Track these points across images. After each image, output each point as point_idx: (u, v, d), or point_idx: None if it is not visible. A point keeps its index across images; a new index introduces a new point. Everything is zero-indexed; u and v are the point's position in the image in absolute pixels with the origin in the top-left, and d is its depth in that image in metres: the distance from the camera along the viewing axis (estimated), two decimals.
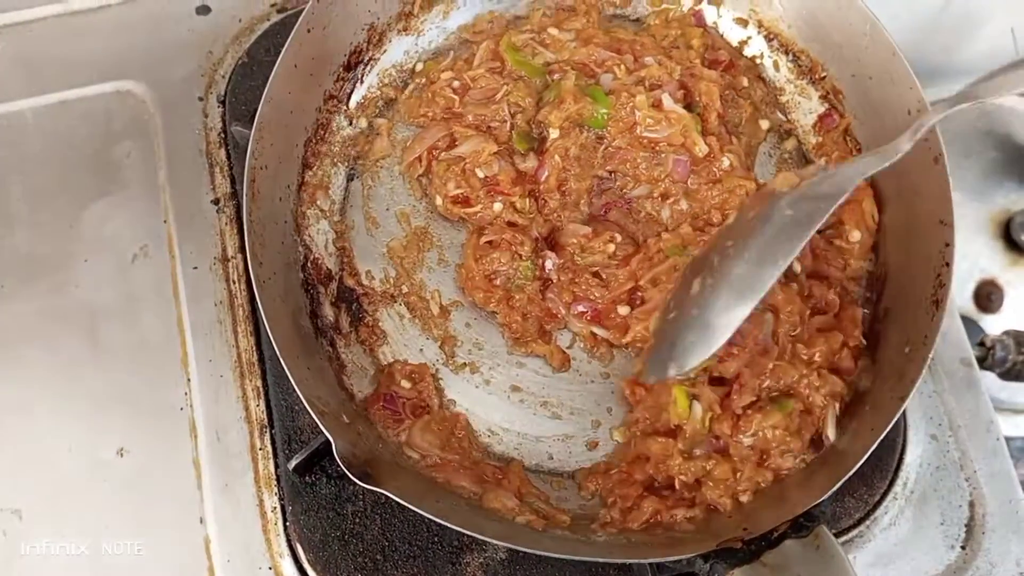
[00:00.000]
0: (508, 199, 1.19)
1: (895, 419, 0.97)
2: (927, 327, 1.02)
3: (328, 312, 1.17)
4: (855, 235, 1.16)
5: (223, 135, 1.33)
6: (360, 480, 0.91)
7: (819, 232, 1.18)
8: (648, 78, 1.20)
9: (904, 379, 1.00)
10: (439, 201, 1.22)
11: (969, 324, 1.90)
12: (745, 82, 1.29)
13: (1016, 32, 1.85)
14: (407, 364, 1.16)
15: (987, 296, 1.93)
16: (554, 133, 1.19)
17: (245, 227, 1.04)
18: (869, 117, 1.20)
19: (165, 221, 1.28)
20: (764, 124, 1.29)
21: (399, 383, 1.13)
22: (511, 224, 1.19)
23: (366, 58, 1.27)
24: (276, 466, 1.14)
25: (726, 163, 1.18)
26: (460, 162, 1.20)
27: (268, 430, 1.16)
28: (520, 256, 1.16)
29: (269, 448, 1.15)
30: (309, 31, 1.15)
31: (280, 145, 1.13)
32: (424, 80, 1.28)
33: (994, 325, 1.88)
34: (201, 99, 1.37)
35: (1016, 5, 1.91)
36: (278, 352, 0.98)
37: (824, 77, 1.27)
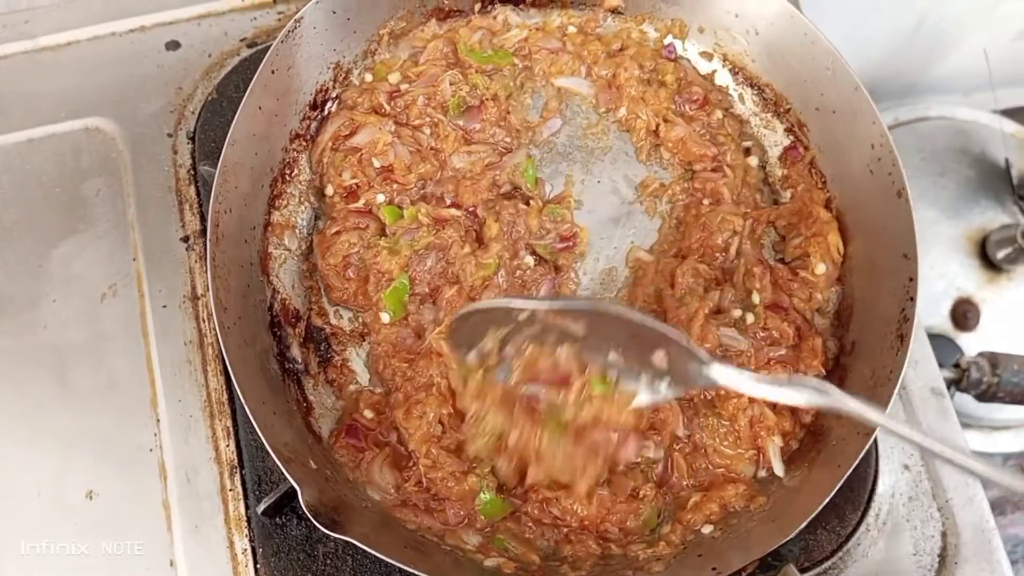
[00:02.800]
0: (401, 187, 1.20)
1: (861, 455, 0.97)
2: (892, 362, 1.02)
3: (296, 353, 1.16)
4: (820, 268, 1.16)
5: (192, 172, 1.33)
6: (327, 528, 0.90)
7: (784, 263, 1.19)
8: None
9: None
10: (329, 191, 1.21)
11: (945, 343, 1.92)
12: (719, 115, 1.30)
13: (988, 53, 1.87)
14: (373, 393, 1.15)
15: (963, 314, 1.94)
16: None
17: (209, 272, 1.03)
18: (833, 150, 1.21)
19: (134, 259, 1.28)
20: (753, 161, 1.29)
21: (362, 412, 1.13)
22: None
23: (332, 95, 1.27)
24: (247, 507, 1.14)
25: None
26: (356, 152, 1.21)
27: (238, 471, 1.16)
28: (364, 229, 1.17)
29: (239, 489, 1.15)
30: (273, 72, 1.15)
31: (245, 187, 1.13)
32: (372, 78, 1.28)
33: (971, 343, 1.90)
34: (170, 135, 1.36)
35: (987, 26, 1.93)
36: (243, 399, 0.98)
37: (789, 110, 1.28)
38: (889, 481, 1.20)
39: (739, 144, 1.29)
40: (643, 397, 0.96)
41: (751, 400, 1.08)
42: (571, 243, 1.22)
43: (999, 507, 2.03)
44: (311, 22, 1.18)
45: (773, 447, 1.07)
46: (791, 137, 1.28)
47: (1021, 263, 1.88)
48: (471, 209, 1.22)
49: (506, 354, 1.00)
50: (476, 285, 1.16)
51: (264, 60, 1.13)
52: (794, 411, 1.11)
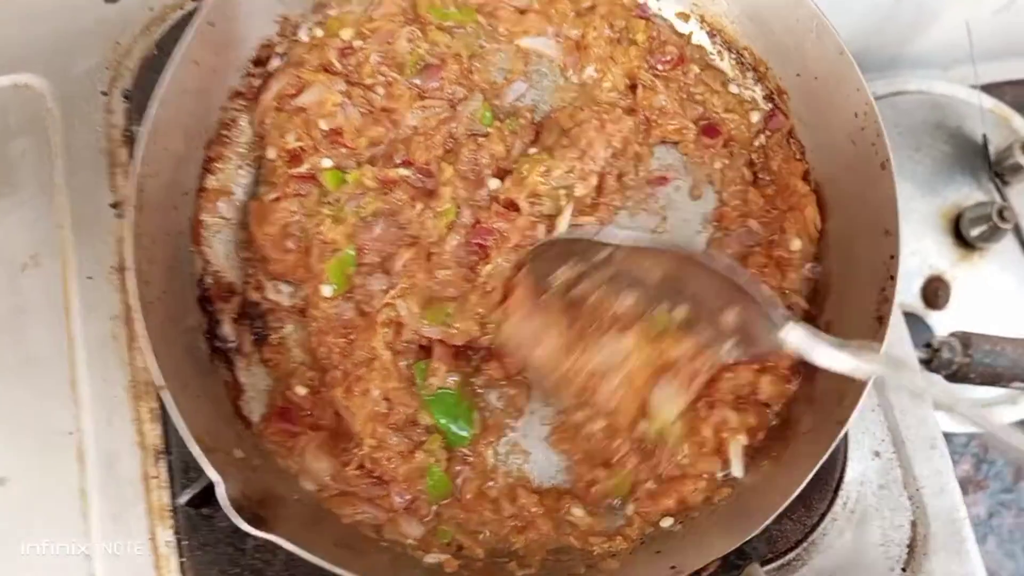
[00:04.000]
0: (350, 151, 1.11)
1: (833, 445, 0.91)
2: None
3: (228, 331, 1.07)
4: (796, 243, 1.10)
5: (127, 133, 1.22)
6: (251, 525, 0.82)
7: (757, 245, 1.12)
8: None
9: (843, 402, 0.93)
10: (271, 154, 1.12)
11: (916, 321, 1.87)
12: (696, 69, 1.22)
13: (971, 25, 1.81)
14: (308, 369, 1.07)
15: (935, 292, 1.90)
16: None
17: (130, 242, 0.93)
18: (814, 119, 1.13)
19: (60, 226, 1.17)
20: (755, 116, 1.21)
21: (295, 389, 1.05)
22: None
23: (278, 51, 1.17)
24: (172, 496, 1.05)
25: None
26: (302, 113, 1.11)
27: (164, 457, 1.06)
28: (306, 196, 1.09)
29: (164, 476, 1.06)
30: (212, 24, 1.04)
31: (176, 148, 1.03)
32: (322, 33, 1.18)
33: (941, 322, 1.86)
34: (105, 94, 1.25)
35: (968, 3, 1.87)
36: (161, 383, 0.89)
37: (768, 76, 1.19)
38: (858, 468, 1.15)
39: (728, 96, 1.21)
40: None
41: (711, 406, 1.02)
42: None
43: (962, 487, 2.02)
44: None
45: (735, 447, 1.00)
46: (770, 104, 1.20)
47: (995, 241, 1.84)
48: (424, 166, 1.13)
49: (579, 289, 0.97)
50: (441, 237, 1.08)
51: (201, 10, 1.02)
52: (762, 406, 1.04)
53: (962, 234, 1.86)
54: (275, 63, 1.16)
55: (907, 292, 1.85)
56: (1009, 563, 1.91)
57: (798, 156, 1.16)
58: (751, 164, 1.19)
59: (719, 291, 0.90)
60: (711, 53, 1.23)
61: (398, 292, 1.05)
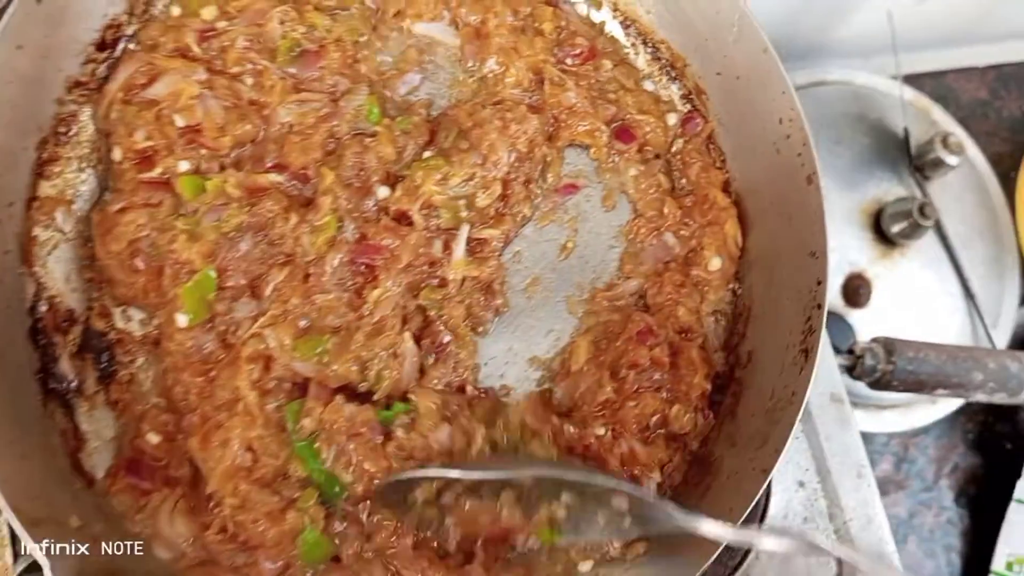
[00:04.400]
0: (211, 152, 0.97)
1: (757, 497, 0.82)
2: (794, 380, 0.86)
3: (67, 368, 0.91)
4: (715, 263, 1.00)
5: None
6: None
7: (672, 261, 1.02)
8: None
9: (767, 446, 0.85)
10: (117, 155, 0.96)
11: (837, 320, 1.83)
12: (609, 65, 1.10)
13: (893, 15, 1.74)
14: (161, 412, 0.92)
15: (855, 290, 1.86)
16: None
17: None
18: (735, 123, 1.03)
19: None
20: (671, 119, 1.09)
21: (146, 437, 0.90)
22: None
23: (127, 32, 1.00)
24: (15, 557, 0.89)
25: None
26: (155, 106, 0.96)
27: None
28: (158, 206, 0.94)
29: (6, 532, 0.90)
30: (39, 2, 0.88)
31: None
32: (180, 12, 1.03)
33: (863, 320, 1.82)
34: None
35: None
36: None
37: (687, 74, 1.09)
38: (782, 501, 1.07)
39: (643, 95, 1.09)
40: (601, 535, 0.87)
41: (616, 436, 0.92)
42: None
43: (882, 487, 1.99)
44: None
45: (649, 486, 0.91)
46: (689, 106, 1.10)
47: (916, 238, 1.80)
48: (300, 171, 0.98)
49: (444, 503, 0.87)
50: (319, 255, 0.94)
51: None
52: (674, 437, 0.94)
53: (883, 230, 1.81)
54: (124, 47, 1.00)
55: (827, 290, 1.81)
56: (929, 562, 1.89)
57: (718, 164, 1.06)
58: (668, 171, 1.08)
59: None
60: (625, 47, 1.12)
61: (267, 320, 0.91)
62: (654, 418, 0.94)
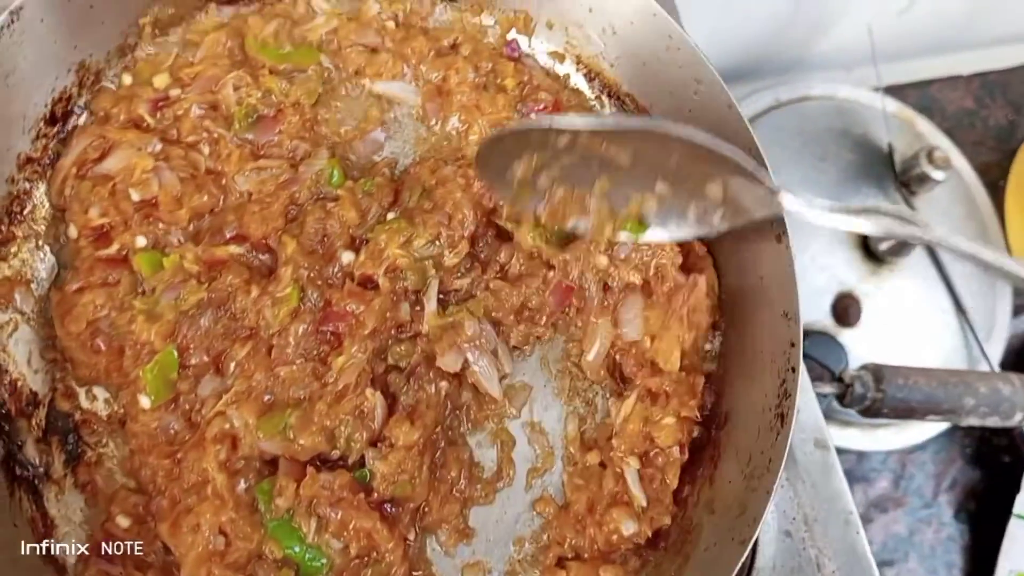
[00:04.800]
0: (168, 226, 0.95)
1: (737, 567, 0.79)
2: (770, 447, 0.84)
3: (32, 453, 0.90)
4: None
5: None
6: None
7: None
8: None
9: (745, 514, 0.82)
10: (72, 232, 0.95)
11: (828, 340, 1.81)
12: None
13: (872, 28, 1.72)
14: (131, 493, 0.90)
15: (845, 309, 1.84)
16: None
17: None
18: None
19: None
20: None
21: (116, 520, 0.88)
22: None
23: (79, 104, 0.98)
24: None
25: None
26: (109, 181, 0.95)
27: None
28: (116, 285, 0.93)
29: None
30: None
31: None
32: (132, 81, 1.01)
33: (853, 339, 1.79)
34: None
35: (871, 3, 1.79)
36: None
37: None
38: (769, 552, 1.05)
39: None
40: (687, 230, 0.88)
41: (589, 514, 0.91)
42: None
43: (881, 505, 1.98)
44: (35, 14, 0.89)
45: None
46: None
47: (904, 256, 1.78)
48: (261, 241, 0.96)
49: (539, 185, 0.89)
50: (283, 327, 0.92)
51: None
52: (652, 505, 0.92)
53: (870, 248, 1.79)
54: (76, 120, 0.98)
55: (817, 309, 1.78)
56: None
57: None
58: None
59: (698, 163, 0.83)
60: (590, 99, 1.09)
61: (231, 398, 0.89)
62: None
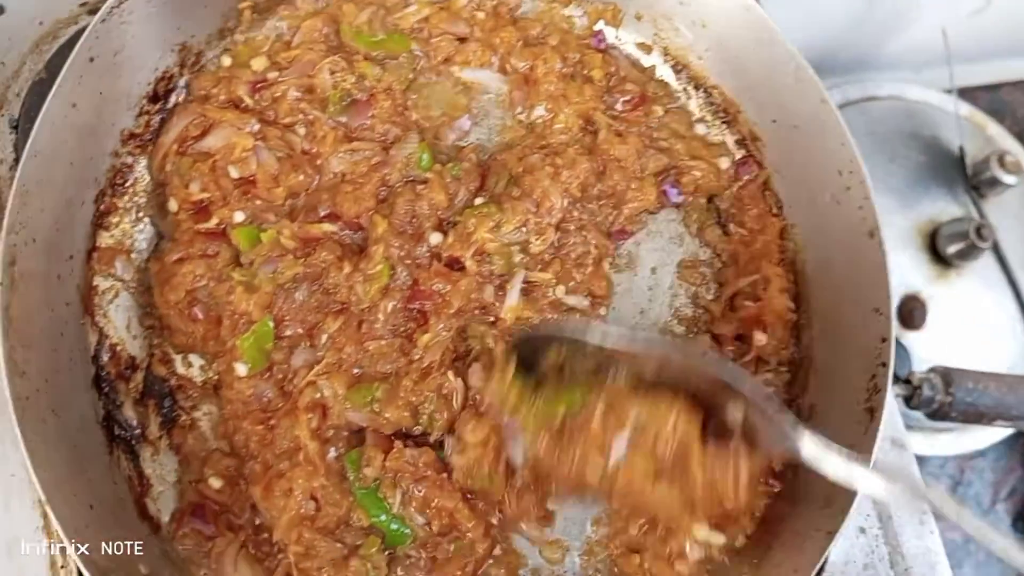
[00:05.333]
0: (266, 203, 0.97)
1: (823, 558, 0.80)
2: (859, 440, 0.84)
3: (130, 414, 0.93)
4: (760, 339, 0.98)
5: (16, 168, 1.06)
6: None
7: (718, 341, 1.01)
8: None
9: (832, 506, 0.83)
10: (173, 206, 0.97)
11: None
12: (660, 111, 1.08)
13: (947, 32, 1.70)
14: (224, 456, 0.93)
15: (911, 312, 1.82)
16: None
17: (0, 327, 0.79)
18: (792, 171, 1.01)
19: None
20: (723, 162, 1.07)
21: (209, 482, 0.91)
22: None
23: (179, 83, 1.01)
24: None
25: None
26: (209, 158, 0.97)
27: None
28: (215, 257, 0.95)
29: (73, 568, 0.91)
30: (92, 60, 0.89)
31: (56, 207, 0.88)
32: (231, 63, 1.03)
33: (918, 342, 1.78)
34: None
35: (944, 4, 1.76)
36: (43, 496, 0.75)
37: (740, 120, 1.07)
38: (843, 547, 1.04)
39: (695, 141, 1.07)
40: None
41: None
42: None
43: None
44: None
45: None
46: (743, 151, 1.08)
47: (972, 259, 1.75)
48: (353, 220, 0.98)
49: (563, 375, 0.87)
50: (373, 303, 0.94)
51: (78, 45, 0.87)
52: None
53: (938, 251, 1.77)
54: (176, 98, 1.01)
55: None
56: None
57: (775, 211, 1.04)
58: (720, 218, 1.07)
59: (720, 388, 0.81)
60: (676, 91, 1.10)
61: (322, 368, 0.91)
62: None
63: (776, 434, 0.78)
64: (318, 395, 0.91)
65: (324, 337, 0.93)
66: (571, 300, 1.00)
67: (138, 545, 0.85)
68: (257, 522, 0.91)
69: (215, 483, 0.91)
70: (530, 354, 0.87)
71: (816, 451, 0.78)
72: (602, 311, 1.02)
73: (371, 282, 0.94)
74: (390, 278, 0.95)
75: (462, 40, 1.07)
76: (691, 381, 0.82)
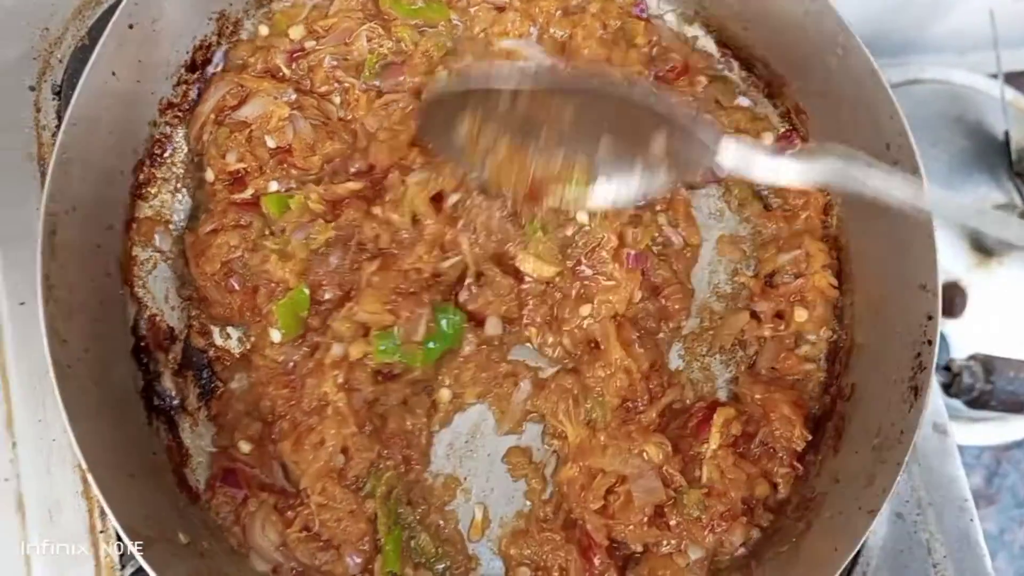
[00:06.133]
0: (302, 172, 0.97)
1: (864, 539, 0.78)
2: (902, 419, 0.83)
3: (169, 385, 0.94)
4: (801, 314, 0.97)
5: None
6: None
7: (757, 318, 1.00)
8: None
9: (873, 485, 0.82)
10: (209, 176, 0.98)
11: None
12: (704, 81, 1.06)
13: (994, 14, 1.66)
14: (252, 422, 0.94)
15: (951, 300, 1.80)
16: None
17: (40, 296, 0.80)
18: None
19: None
20: (768, 137, 1.06)
21: (239, 446, 0.92)
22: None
23: (217, 53, 1.01)
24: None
25: None
26: (245, 128, 0.97)
27: None
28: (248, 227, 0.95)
29: (112, 531, 0.93)
30: (132, 27, 0.89)
31: (95, 177, 0.89)
32: (268, 32, 1.03)
33: (956, 331, 1.76)
34: (33, 89, 1.09)
35: None
36: (85, 466, 0.77)
37: (785, 93, 1.04)
38: (880, 532, 1.03)
39: (739, 113, 1.06)
40: (634, 186, 0.84)
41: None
42: None
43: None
44: None
45: None
46: (786, 124, 1.06)
47: (1016, 248, 1.71)
48: (381, 174, 0.98)
49: (482, 146, 0.87)
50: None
51: (118, 12, 0.88)
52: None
53: (980, 239, 1.74)
54: (213, 68, 1.01)
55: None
56: None
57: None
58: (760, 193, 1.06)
59: (642, 118, 0.82)
60: (719, 62, 1.08)
61: (346, 313, 0.92)
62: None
63: (700, 146, 0.79)
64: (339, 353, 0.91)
65: (363, 282, 0.93)
66: None
67: (177, 514, 0.86)
68: (283, 483, 0.93)
69: (244, 447, 0.93)
70: (442, 132, 0.88)
71: (740, 153, 0.79)
72: None
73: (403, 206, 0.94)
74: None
75: (500, 9, 1.06)
76: (609, 120, 0.83)
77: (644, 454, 0.90)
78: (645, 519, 0.89)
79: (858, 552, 1.01)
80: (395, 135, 0.99)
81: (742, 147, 0.81)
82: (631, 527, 0.89)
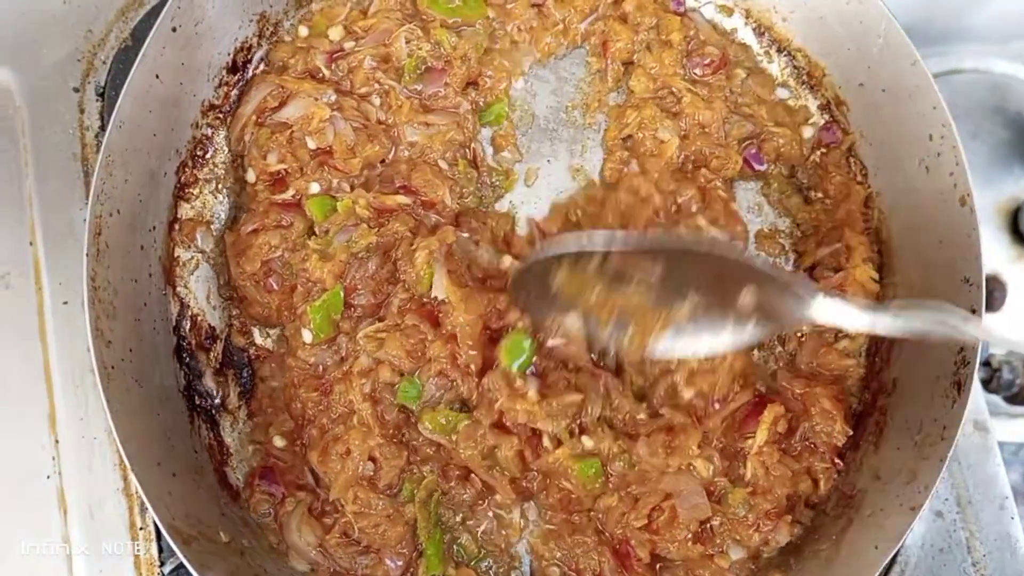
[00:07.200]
0: (342, 173, 0.98)
1: (905, 537, 0.78)
2: (945, 415, 0.82)
3: (210, 384, 0.95)
4: None
5: (102, 136, 1.09)
6: None
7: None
8: None
9: (915, 482, 0.81)
10: (251, 176, 0.99)
11: None
12: (743, 74, 1.05)
13: None
14: (286, 419, 0.95)
15: (989, 293, 1.75)
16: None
17: (86, 296, 0.81)
18: (879, 137, 0.98)
19: (31, 243, 1.05)
20: (808, 132, 1.04)
21: (273, 441, 0.93)
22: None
23: (257, 54, 1.02)
24: (160, 550, 0.95)
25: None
26: (286, 129, 0.98)
27: None
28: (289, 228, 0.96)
29: (152, 528, 0.96)
30: (175, 29, 0.91)
31: (139, 179, 0.90)
32: (308, 33, 1.04)
33: (996, 325, 1.72)
34: (77, 90, 1.12)
35: None
36: (128, 464, 0.78)
37: (825, 84, 1.03)
38: (919, 530, 1.02)
39: (778, 107, 1.05)
40: (726, 339, 0.84)
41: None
42: None
43: None
44: None
45: None
46: (826, 116, 1.04)
47: None
48: (428, 201, 0.99)
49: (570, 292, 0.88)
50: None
51: (161, 16, 0.89)
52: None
53: (1020, 230, 1.71)
54: (253, 70, 1.02)
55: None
56: None
57: (859, 178, 1.01)
58: (799, 185, 1.05)
59: (729, 274, 0.82)
60: (758, 54, 1.07)
61: (373, 331, 0.93)
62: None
63: (792, 301, 0.79)
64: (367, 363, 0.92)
65: (394, 307, 0.93)
66: None
67: (218, 512, 0.87)
68: (316, 485, 0.94)
69: (279, 442, 0.94)
70: (537, 282, 0.89)
71: (832, 305, 0.78)
72: None
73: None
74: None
75: (537, 7, 1.05)
76: (699, 277, 0.83)
77: (692, 469, 0.89)
78: (690, 535, 0.88)
79: (897, 551, 1.01)
80: (436, 169, 1.00)
81: (836, 302, 0.79)
82: (675, 544, 0.88)
